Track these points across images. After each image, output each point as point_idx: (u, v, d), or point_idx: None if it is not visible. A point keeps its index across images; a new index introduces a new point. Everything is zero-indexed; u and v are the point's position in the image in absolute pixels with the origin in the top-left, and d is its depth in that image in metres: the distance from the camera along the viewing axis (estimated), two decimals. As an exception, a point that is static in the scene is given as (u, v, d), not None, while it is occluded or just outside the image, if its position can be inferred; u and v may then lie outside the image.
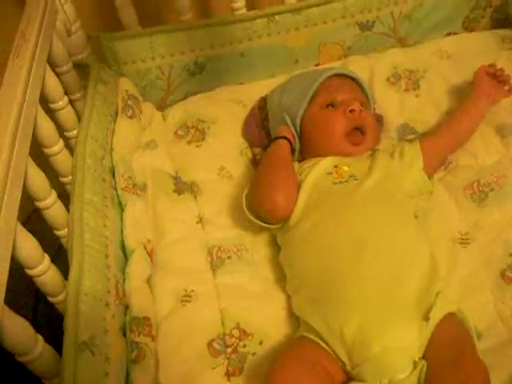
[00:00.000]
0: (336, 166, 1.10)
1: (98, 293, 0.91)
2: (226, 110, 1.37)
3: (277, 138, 1.16)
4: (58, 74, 1.24)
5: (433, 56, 1.41)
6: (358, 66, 1.38)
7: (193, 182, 1.24)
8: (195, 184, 1.24)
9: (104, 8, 1.37)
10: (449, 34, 1.49)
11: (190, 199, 1.21)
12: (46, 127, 1.03)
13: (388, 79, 1.37)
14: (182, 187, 1.22)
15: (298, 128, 1.17)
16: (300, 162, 1.17)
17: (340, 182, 1.06)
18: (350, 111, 1.13)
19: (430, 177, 1.12)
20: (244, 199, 1.10)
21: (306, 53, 1.44)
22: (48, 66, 1.11)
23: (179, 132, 1.35)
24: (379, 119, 1.28)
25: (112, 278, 0.97)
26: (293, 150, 1.16)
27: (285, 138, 1.15)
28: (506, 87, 1.21)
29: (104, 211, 1.05)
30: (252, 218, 1.08)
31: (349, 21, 1.41)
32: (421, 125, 1.28)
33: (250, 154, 1.29)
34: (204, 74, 1.41)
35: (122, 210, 1.12)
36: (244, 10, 1.39)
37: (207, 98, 1.41)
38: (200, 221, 1.18)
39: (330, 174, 1.08)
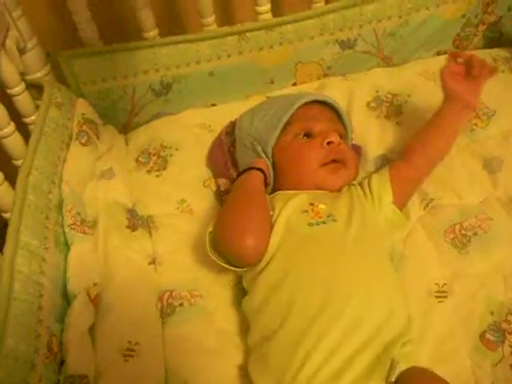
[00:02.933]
0: (312, 204, 0.98)
1: (21, 354, 0.81)
2: (191, 135, 1.26)
3: (249, 168, 1.04)
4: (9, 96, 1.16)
5: (419, 77, 1.30)
6: (336, 89, 1.28)
7: (149, 216, 1.14)
8: (152, 219, 1.14)
9: (66, 22, 1.26)
10: (438, 53, 1.37)
11: (144, 236, 1.11)
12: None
13: (368, 104, 1.26)
14: (137, 223, 1.12)
15: (270, 158, 1.07)
16: (270, 193, 1.06)
17: (317, 224, 0.95)
18: (328, 143, 1.02)
19: (402, 207, 1.03)
20: (207, 237, 0.98)
21: (282, 72, 1.33)
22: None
23: (140, 159, 1.25)
24: (357, 150, 1.17)
25: (44, 334, 0.88)
26: (266, 184, 1.05)
27: (259, 169, 1.03)
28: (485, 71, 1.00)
29: (42, 255, 0.95)
30: (216, 259, 0.97)
31: (328, 38, 1.30)
32: (401, 157, 1.17)
33: (213, 186, 1.18)
34: (170, 95, 1.31)
35: (68, 250, 1.02)
36: (214, 26, 1.28)
37: (172, 121, 1.31)
38: (153, 261, 1.07)
39: (306, 212, 0.97)
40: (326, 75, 1.36)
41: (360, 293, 0.87)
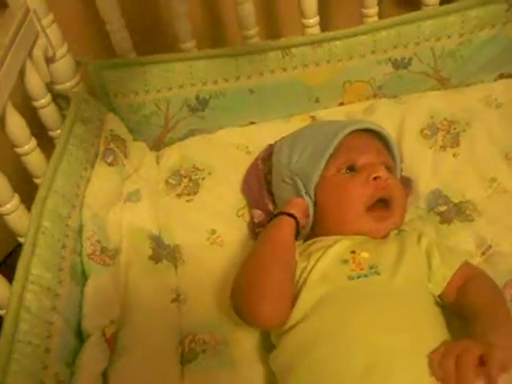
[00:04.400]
0: (353, 252, 0.87)
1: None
2: (227, 157, 1.17)
3: (281, 213, 0.93)
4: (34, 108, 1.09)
5: (479, 104, 1.17)
6: (386, 113, 1.17)
7: (176, 246, 1.06)
8: (178, 249, 1.05)
9: (100, 31, 1.18)
10: (501, 76, 1.24)
11: (169, 269, 1.02)
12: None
13: (422, 131, 1.13)
14: (162, 253, 1.04)
15: (313, 197, 0.96)
16: (306, 240, 0.96)
17: (358, 277, 0.83)
18: (375, 178, 0.91)
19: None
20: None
21: (328, 91, 1.22)
22: (9, 109, 0.94)
23: (170, 180, 1.16)
24: (407, 183, 1.06)
25: (49, 381, 0.79)
26: (298, 232, 0.93)
27: (291, 215, 0.92)
28: None
29: (55, 289, 0.87)
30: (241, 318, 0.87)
31: (380, 57, 1.18)
32: (457, 193, 1.06)
33: (247, 216, 1.09)
34: (207, 111, 1.21)
35: (86, 281, 0.94)
36: (257, 39, 1.18)
37: (207, 140, 1.21)
38: (177, 298, 0.99)
39: (346, 262, 0.85)
40: (376, 96, 1.24)
41: (408, 356, 0.75)
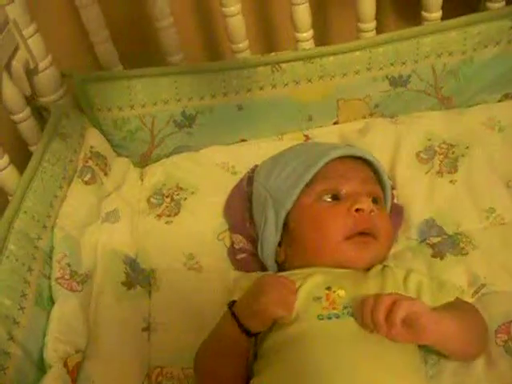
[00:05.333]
0: (329, 289, 0.79)
1: None
2: (211, 176, 1.11)
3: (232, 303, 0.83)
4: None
5: (481, 126, 1.10)
6: (381, 133, 1.10)
7: (152, 270, 1.01)
8: (154, 274, 1.00)
9: (87, 41, 1.14)
10: (506, 96, 1.16)
11: (142, 296, 0.97)
12: None
13: (418, 154, 1.07)
14: (136, 278, 0.98)
15: (282, 223, 0.90)
16: (280, 270, 0.90)
17: (328, 317, 0.76)
18: (357, 210, 0.84)
19: None
20: None
21: (322, 109, 1.16)
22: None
23: (152, 200, 1.11)
24: (399, 212, 0.99)
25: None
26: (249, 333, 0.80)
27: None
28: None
29: (15, 317, 0.82)
30: None
31: (376, 74, 1.11)
32: (452, 223, 0.98)
33: (228, 241, 1.03)
34: (194, 128, 1.16)
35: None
36: (247, 53, 1.13)
37: (193, 158, 1.16)
38: (147, 327, 0.93)
39: (319, 299, 0.78)
40: (372, 114, 1.17)
41: None
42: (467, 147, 1.06)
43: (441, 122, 1.11)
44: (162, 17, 1.08)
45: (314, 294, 0.79)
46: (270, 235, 0.90)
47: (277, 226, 0.89)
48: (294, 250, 0.89)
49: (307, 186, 0.88)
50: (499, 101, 1.16)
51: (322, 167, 0.88)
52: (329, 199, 0.87)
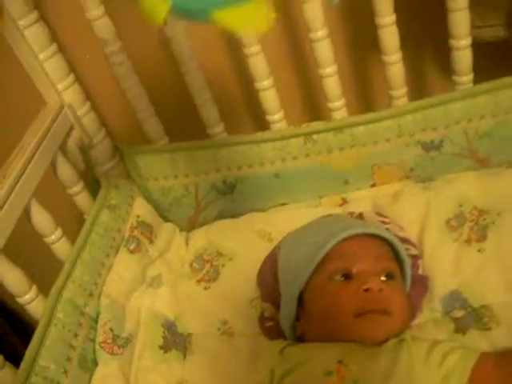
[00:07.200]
0: (340, 362, 0.82)
1: None
2: (248, 243, 1.17)
3: None
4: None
5: (517, 190, 1.07)
6: (411, 201, 1.10)
7: (189, 334, 1.07)
8: (190, 338, 1.07)
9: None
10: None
11: (177, 359, 1.03)
12: None
13: (448, 222, 1.05)
14: (173, 342, 1.05)
15: (296, 300, 0.94)
16: (299, 341, 0.93)
17: None
18: (366, 290, 0.87)
19: None
20: None
21: (357, 174, 1.19)
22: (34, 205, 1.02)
23: (195, 264, 1.18)
24: (423, 282, 0.99)
25: None
26: None
27: None
28: None
29: (59, 379, 0.91)
30: None
31: (407, 140, 1.13)
32: (477, 296, 0.96)
33: (259, 308, 1.07)
34: (236, 194, 1.23)
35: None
36: (283, 124, 1.18)
37: (233, 224, 1.22)
38: (181, 390, 1.00)
39: (330, 374, 0.81)
40: (408, 177, 1.18)
41: None
42: (498, 214, 1.03)
43: (475, 184, 1.09)
44: (200, 92, 1.16)
45: (325, 368, 0.82)
46: (286, 310, 0.95)
47: (292, 302, 0.93)
48: (310, 325, 0.92)
49: (320, 264, 0.91)
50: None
51: (334, 247, 0.91)
52: (340, 278, 0.90)
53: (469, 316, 0.94)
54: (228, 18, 0.55)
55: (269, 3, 0.58)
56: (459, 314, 0.95)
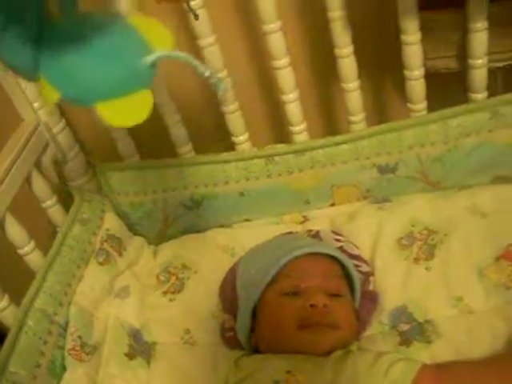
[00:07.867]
0: (289, 372, 0.88)
1: None
2: (213, 257, 1.23)
3: None
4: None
5: (464, 212, 1.13)
6: (365, 221, 1.18)
7: (154, 343, 1.13)
8: (154, 347, 1.12)
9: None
10: (498, 178, 1.20)
11: (141, 366, 1.09)
12: None
13: (399, 240, 1.13)
14: (138, 349, 1.11)
15: (250, 313, 1.01)
16: (254, 351, 1.00)
17: None
18: (311, 306, 0.94)
19: None
20: None
21: (317, 194, 1.26)
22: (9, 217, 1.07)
23: (161, 277, 1.24)
24: (373, 298, 1.06)
25: None
26: None
27: None
28: None
29: (29, 385, 0.97)
30: None
31: (364, 163, 1.20)
32: (422, 311, 1.03)
33: (221, 320, 1.14)
34: (202, 211, 1.29)
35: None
36: (247, 145, 1.25)
37: (199, 239, 1.29)
38: (143, 394, 1.05)
39: (278, 383, 0.88)
40: (366, 197, 1.26)
41: None
42: (446, 234, 1.11)
43: (427, 206, 1.17)
44: (170, 114, 1.23)
45: (274, 378, 0.88)
46: (242, 322, 1.01)
47: (247, 314, 1.00)
48: (262, 337, 0.99)
49: (274, 280, 0.99)
50: (492, 182, 1.19)
51: (285, 265, 0.99)
52: (289, 294, 0.97)
53: (413, 330, 1.01)
54: (108, 111, 0.59)
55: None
56: (405, 327, 1.02)
